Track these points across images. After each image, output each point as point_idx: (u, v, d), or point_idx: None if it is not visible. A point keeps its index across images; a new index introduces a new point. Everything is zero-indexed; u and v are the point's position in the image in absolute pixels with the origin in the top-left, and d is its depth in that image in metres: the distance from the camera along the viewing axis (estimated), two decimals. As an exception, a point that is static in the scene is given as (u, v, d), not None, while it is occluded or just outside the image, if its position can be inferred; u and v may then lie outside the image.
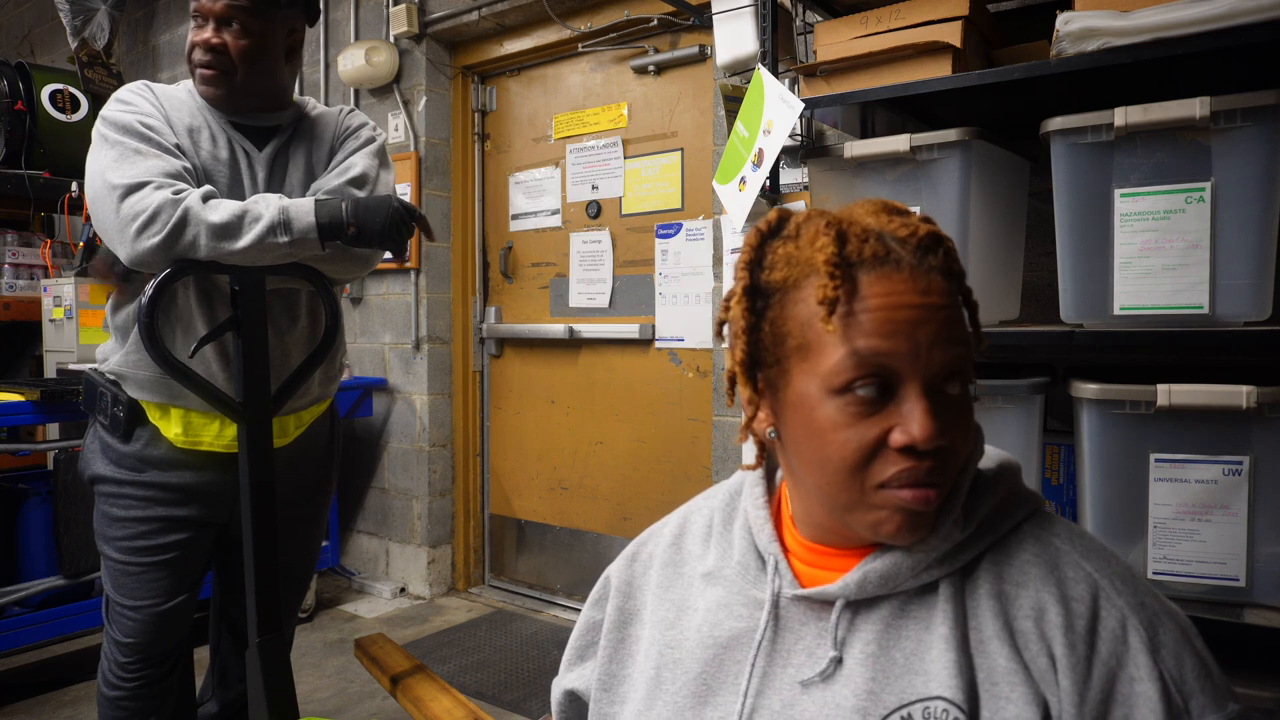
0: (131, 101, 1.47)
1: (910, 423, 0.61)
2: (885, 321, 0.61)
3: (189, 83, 1.56)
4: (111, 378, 1.54)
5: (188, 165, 1.44)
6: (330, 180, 1.54)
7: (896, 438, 0.62)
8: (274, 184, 1.55)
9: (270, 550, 1.51)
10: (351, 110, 1.69)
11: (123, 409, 1.51)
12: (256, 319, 1.47)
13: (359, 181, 1.54)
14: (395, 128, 3.37)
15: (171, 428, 1.51)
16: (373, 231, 1.45)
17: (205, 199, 1.39)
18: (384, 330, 3.46)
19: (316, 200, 1.45)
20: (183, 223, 1.35)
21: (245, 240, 1.38)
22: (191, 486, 1.55)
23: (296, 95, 1.66)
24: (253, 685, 1.51)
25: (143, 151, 1.40)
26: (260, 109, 1.57)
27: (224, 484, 1.57)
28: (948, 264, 0.65)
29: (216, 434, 1.53)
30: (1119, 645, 0.62)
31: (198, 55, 1.50)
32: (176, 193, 1.37)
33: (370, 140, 1.62)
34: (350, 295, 3.54)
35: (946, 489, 0.65)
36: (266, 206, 1.41)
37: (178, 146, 1.45)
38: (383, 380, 3.45)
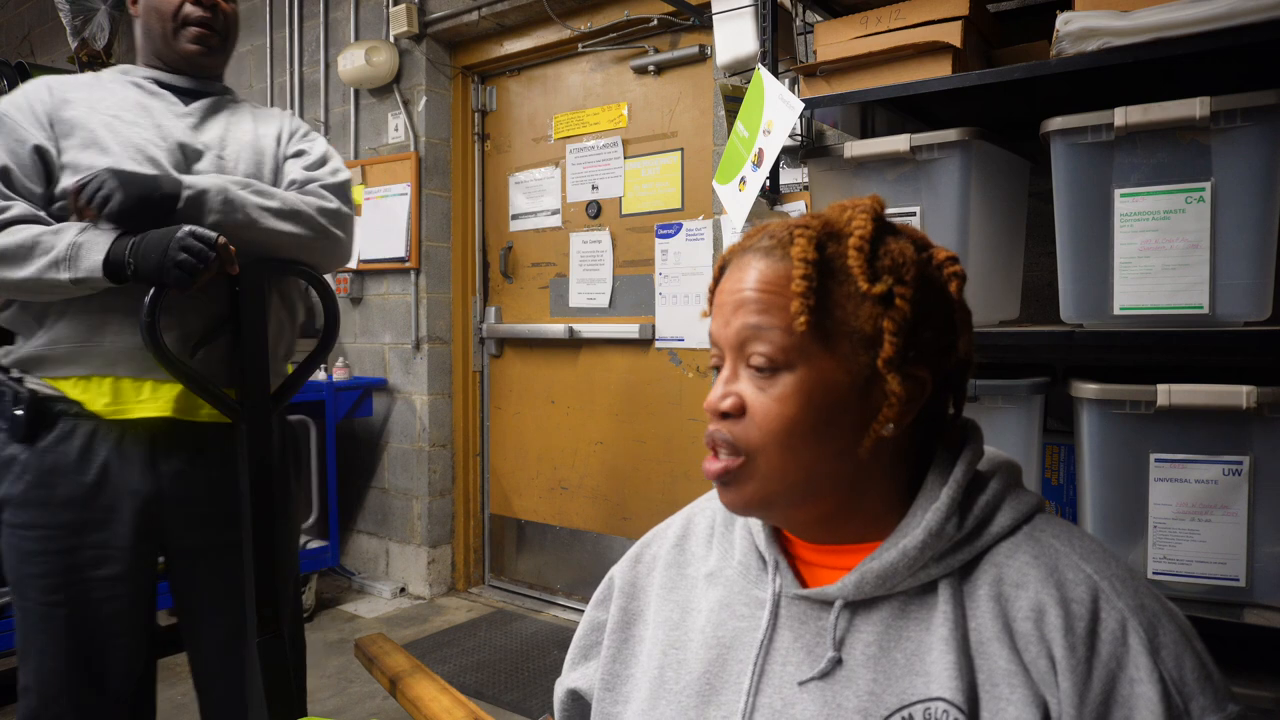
0: None
1: None
2: (717, 307, 0.73)
3: (110, 70, 1.54)
4: (15, 375, 1.41)
5: (6, 164, 1.36)
6: (325, 177, 1.58)
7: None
8: (206, 134, 1.51)
9: (268, 550, 1.51)
10: (293, 114, 1.74)
11: (24, 405, 1.38)
12: (256, 319, 1.47)
13: (348, 184, 1.62)
14: (395, 128, 3.37)
15: (99, 399, 1.40)
16: (149, 268, 1.32)
17: (5, 225, 1.31)
18: (384, 330, 3.46)
19: (115, 237, 1.34)
20: None
21: (25, 272, 1.31)
22: (112, 483, 1.41)
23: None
24: (252, 685, 1.51)
25: None
26: (214, 79, 1.59)
27: (147, 477, 1.43)
28: (785, 251, 0.69)
29: (149, 396, 1.41)
30: (1119, 647, 0.62)
31: (192, 12, 1.47)
32: None
33: (327, 149, 1.65)
34: (350, 295, 3.54)
35: (750, 462, 0.68)
36: (62, 239, 1.32)
37: (38, 148, 1.37)
38: (383, 380, 3.46)
